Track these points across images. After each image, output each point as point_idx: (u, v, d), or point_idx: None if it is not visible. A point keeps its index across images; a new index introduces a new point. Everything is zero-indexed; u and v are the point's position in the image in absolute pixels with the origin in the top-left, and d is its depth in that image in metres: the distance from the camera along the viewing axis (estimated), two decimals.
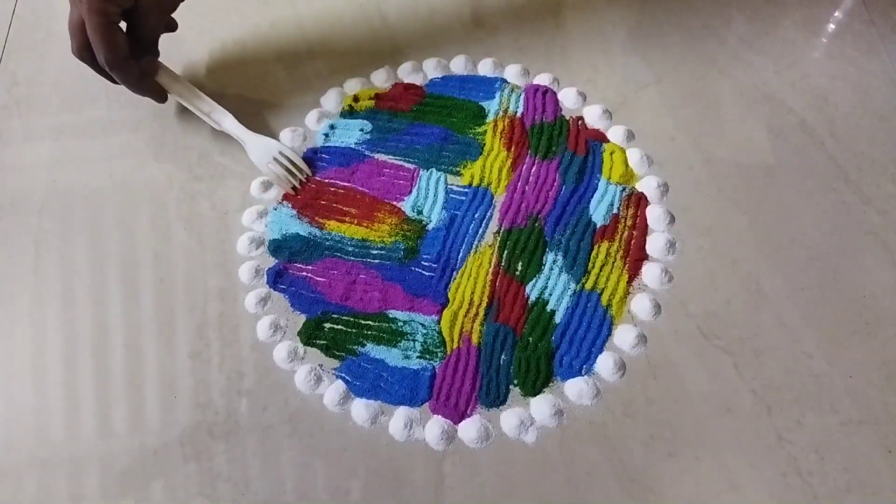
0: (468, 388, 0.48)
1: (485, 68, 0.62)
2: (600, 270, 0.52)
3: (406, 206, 0.55)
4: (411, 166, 0.57)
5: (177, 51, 0.64)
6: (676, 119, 0.59)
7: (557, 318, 0.50)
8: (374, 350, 0.49)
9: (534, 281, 0.51)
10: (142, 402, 0.48)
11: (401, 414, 0.47)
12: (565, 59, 0.63)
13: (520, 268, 0.52)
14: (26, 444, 0.46)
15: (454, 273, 0.52)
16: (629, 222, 0.54)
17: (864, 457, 0.46)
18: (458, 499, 0.45)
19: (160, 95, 0.57)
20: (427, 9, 0.66)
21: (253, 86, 0.62)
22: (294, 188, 0.56)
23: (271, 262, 0.53)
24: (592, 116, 0.59)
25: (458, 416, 0.47)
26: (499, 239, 0.53)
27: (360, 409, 0.47)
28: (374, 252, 0.53)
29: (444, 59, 0.62)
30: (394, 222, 0.54)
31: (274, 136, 0.58)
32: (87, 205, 0.56)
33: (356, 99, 0.60)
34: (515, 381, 0.48)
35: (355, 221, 0.54)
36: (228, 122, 0.56)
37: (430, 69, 0.62)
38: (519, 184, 0.56)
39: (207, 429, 0.47)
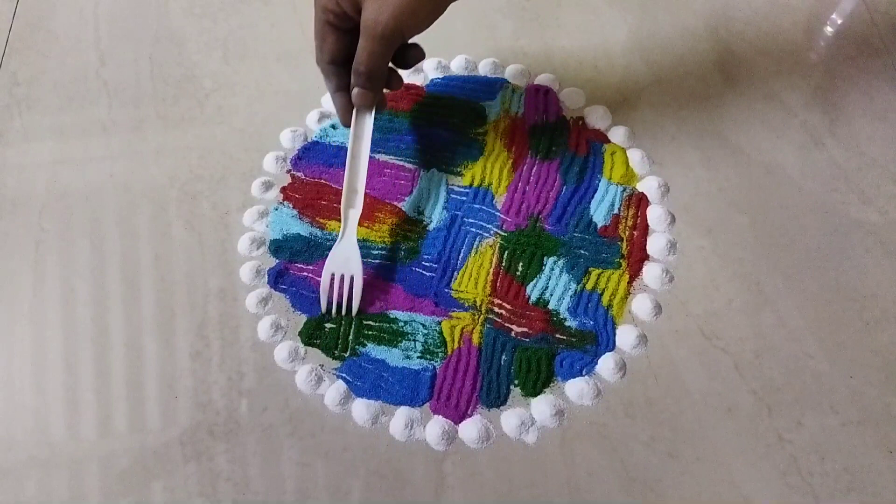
0: (469, 389, 0.48)
1: (485, 68, 0.62)
2: (601, 271, 0.52)
3: (407, 206, 0.55)
4: (412, 166, 0.57)
5: (178, 51, 0.64)
6: (676, 119, 0.59)
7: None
8: (374, 350, 0.49)
9: (534, 281, 0.51)
10: (142, 402, 0.48)
11: (401, 414, 0.47)
12: (565, 59, 0.63)
13: (520, 268, 0.52)
14: (26, 444, 0.46)
15: (455, 273, 0.52)
16: (630, 222, 0.54)
17: (864, 457, 0.46)
18: (458, 499, 0.45)
19: (345, 115, 0.51)
20: None
21: (253, 86, 0.62)
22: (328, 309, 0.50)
23: (272, 262, 0.53)
24: (593, 116, 0.59)
25: (458, 416, 0.47)
26: (499, 239, 0.53)
27: (361, 409, 0.47)
28: (375, 252, 0.53)
29: (445, 60, 0.62)
30: (394, 222, 0.54)
31: (274, 135, 0.58)
32: (87, 205, 0.56)
33: None
34: (516, 382, 0.48)
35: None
36: (353, 213, 0.51)
37: (431, 69, 0.62)
38: (520, 184, 0.56)
39: (208, 429, 0.47)
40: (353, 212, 0.51)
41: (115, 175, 0.57)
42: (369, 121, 0.51)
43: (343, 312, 0.50)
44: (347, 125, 0.52)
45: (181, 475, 0.45)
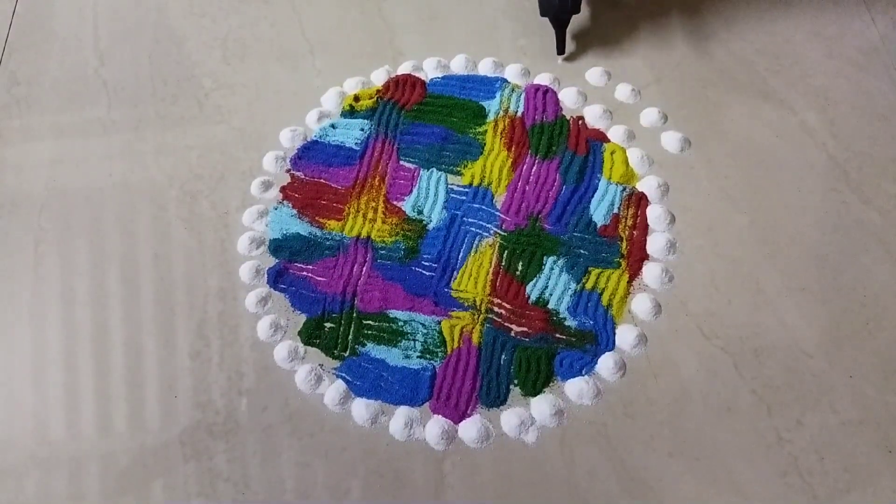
0: (468, 388, 0.48)
1: (485, 68, 0.62)
2: (601, 270, 0.52)
3: (406, 205, 0.55)
4: (412, 166, 0.57)
5: (177, 51, 0.64)
6: (677, 119, 0.59)
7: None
8: (374, 350, 0.49)
9: (534, 281, 0.51)
10: (142, 401, 0.48)
11: (401, 413, 0.47)
12: (565, 59, 0.63)
13: (520, 268, 0.52)
14: (26, 444, 0.46)
15: (455, 273, 0.52)
16: (630, 222, 0.54)
17: (864, 457, 0.46)
18: (458, 499, 0.45)
19: None
20: (427, 9, 0.66)
21: (253, 85, 0.62)
22: None
23: (272, 261, 0.53)
24: (593, 116, 0.59)
25: (458, 415, 0.47)
26: (499, 239, 0.53)
27: (361, 408, 0.47)
28: (375, 251, 0.53)
29: (445, 59, 0.62)
30: (394, 222, 0.54)
31: (273, 135, 0.58)
32: (87, 205, 0.56)
33: (357, 98, 0.60)
34: (516, 381, 0.48)
35: None
36: None
37: (431, 69, 0.62)
38: (519, 183, 0.56)
39: (207, 428, 0.47)
40: None
41: (114, 175, 0.57)
42: None
43: None
44: None
45: (181, 474, 0.45)
